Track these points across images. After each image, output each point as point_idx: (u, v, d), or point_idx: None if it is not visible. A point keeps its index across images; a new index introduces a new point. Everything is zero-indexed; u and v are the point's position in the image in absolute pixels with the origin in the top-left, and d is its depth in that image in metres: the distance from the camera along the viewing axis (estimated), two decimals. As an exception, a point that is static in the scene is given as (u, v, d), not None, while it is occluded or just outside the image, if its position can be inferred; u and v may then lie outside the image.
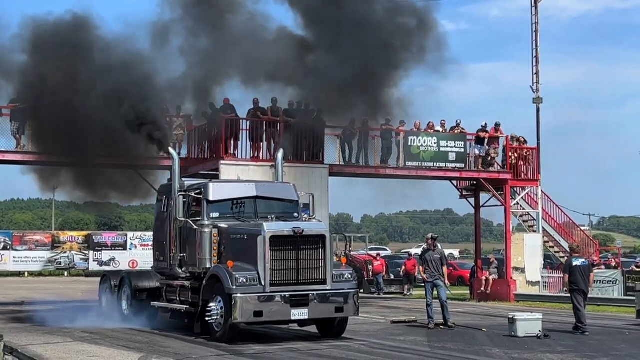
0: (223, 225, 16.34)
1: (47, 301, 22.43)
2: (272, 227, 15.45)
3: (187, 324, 16.87)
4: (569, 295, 26.17)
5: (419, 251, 60.46)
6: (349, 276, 16.09)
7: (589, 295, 18.62)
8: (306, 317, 15.50)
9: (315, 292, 15.46)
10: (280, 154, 19.60)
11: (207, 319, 15.41)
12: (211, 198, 16.67)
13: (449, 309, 18.80)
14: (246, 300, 14.93)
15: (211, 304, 15.39)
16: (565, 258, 30.26)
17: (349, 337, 16.16)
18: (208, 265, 16.10)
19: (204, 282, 15.93)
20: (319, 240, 15.65)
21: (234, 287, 14.96)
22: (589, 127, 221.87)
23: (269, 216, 16.33)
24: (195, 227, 16.50)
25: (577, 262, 17.96)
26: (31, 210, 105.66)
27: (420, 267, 19.38)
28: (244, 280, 15.03)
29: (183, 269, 17.17)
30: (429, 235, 19.45)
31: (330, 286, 15.64)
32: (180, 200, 16.86)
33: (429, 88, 25.66)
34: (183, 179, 17.69)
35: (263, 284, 15.11)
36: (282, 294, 15.20)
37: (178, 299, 17.17)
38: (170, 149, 18.15)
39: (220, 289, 15.27)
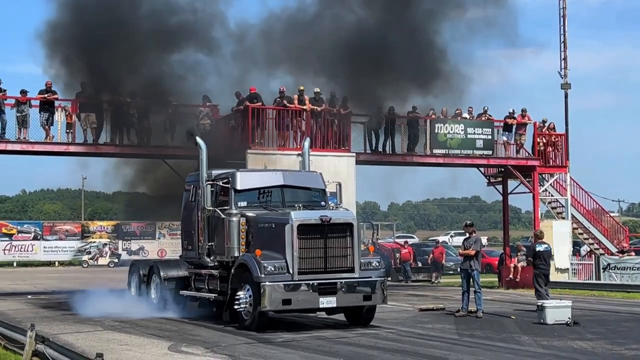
0: (251, 214, 16.40)
1: (77, 290, 22.55)
2: (299, 216, 15.46)
3: (216, 312, 17.00)
4: (597, 282, 26.58)
5: (446, 239, 60.74)
6: (377, 264, 16.10)
7: (621, 282, 18.68)
8: (334, 305, 15.50)
9: (343, 281, 15.46)
10: (307, 143, 19.61)
11: (235, 307, 15.47)
12: (239, 187, 16.71)
13: (482, 298, 18.63)
14: (274, 288, 14.97)
15: (240, 293, 15.44)
16: (594, 245, 30.48)
17: (376, 325, 16.16)
18: (236, 254, 16.17)
19: (232, 270, 15.99)
20: (346, 228, 15.65)
21: (263, 275, 15.01)
22: (619, 112, 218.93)
23: (296, 205, 16.34)
24: (223, 216, 16.55)
25: (540, 248, 19.02)
26: (61, 201, 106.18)
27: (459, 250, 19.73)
28: (272, 269, 15.08)
29: (211, 258, 17.25)
30: (464, 223, 19.50)
31: (358, 274, 15.64)
32: (208, 189, 16.87)
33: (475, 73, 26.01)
34: (210, 169, 17.70)
35: (291, 272, 15.15)
36: (310, 282, 15.24)
37: (206, 287, 17.27)
38: (198, 139, 18.16)
39: (249, 277, 15.32)
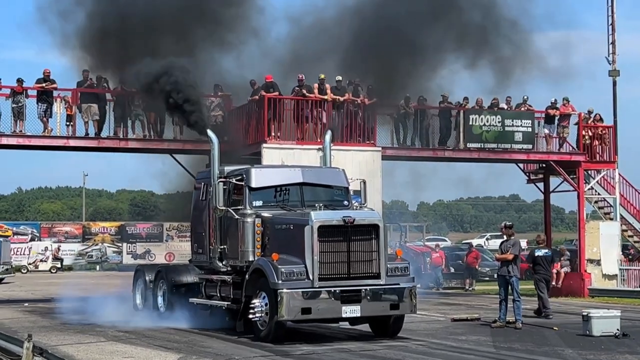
0: (266, 214, 16.36)
1: (78, 297, 22.76)
2: (320, 216, 15.39)
3: (229, 322, 16.99)
4: None
5: (481, 242, 60.48)
6: (405, 270, 16.03)
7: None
8: (358, 315, 15.41)
9: (368, 288, 15.38)
10: (328, 136, 19.57)
11: (250, 316, 15.43)
12: (253, 185, 16.69)
13: (522, 307, 18.61)
14: (293, 295, 14.90)
15: (255, 300, 15.40)
16: None
17: (405, 337, 16.10)
18: (251, 258, 16.14)
19: (247, 276, 15.96)
20: (371, 230, 15.58)
21: (280, 281, 14.96)
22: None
23: (316, 204, 16.24)
24: (236, 216, 16.52)
25: (539, 253, 20.71)
26: (60, 199, 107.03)
27: (496, 254, 19.85)
28: (291, 274, 15.03)
29: (223, 263, 17.25)
30: (502, 224, 19.46)
31: (385, 281, 15.56)
32: (220, 187, 16.83)
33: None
34: (222, 165, 17.74)
35: (311, 278, 15.09)
36: (332, 289, 15.15)
37: (218, 295, 17.26)
38: (210, 132, 18.20)
39: (265, 283, 15.28)
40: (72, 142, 24.70)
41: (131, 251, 50.44)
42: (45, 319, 20.37)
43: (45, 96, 24.11)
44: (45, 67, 24.49)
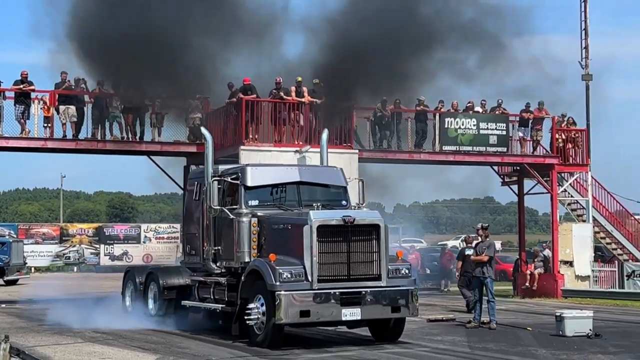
0: (263, 213, 15.37)
1: (56, 299, 22.16)
2: (319, 216, 14.40)
3: (223, 325, 15.86)
4: (621, 290, 25.90)
5: (456, 243, 59.76)
6: (406, 271, 15.10)
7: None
8: (358, 318, 14.45)
9: (368, 290, 14.40)
10: (324, 135, 18.91)
11: (246, 320, 14.38)
12: (249, 183, 15.66)
13: (496, 308, 18.15)
14: (291, 298, 13.89)
15: (251, 304, 14.37)
16: (617, 250, 29.69)
17: (405, 342, 15.24)
18: (247, 259, 15.15)
19: (243, 278, 14.92)
20: (372, 230, 14.60)
21: (278, 283, 13.93)
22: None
23: (314, 204, 15.28)
24: (231, 216, 15.47)
25: (469, 252, 20.34)
26: (37, 201, 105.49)
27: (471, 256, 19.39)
28: (289, 276, 14.00)
29: (218, 264, 16.21)
30: (478, 225, 18.84)
31: (386, 283, 14.62)
32: (214, 186, 15.82)
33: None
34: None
35: (310, 279, 14.10)
36: (332, 291, 14.17)
37: (212, 297, 16.19)
38: (204, 130, 17.30)
39: (262, 285, 14.28)
40: (50, 144, 23.93)
41: (109, 252, 49.67)
42: (23, 320, 19.59)
43: (22, 98, 23.27)
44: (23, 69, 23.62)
